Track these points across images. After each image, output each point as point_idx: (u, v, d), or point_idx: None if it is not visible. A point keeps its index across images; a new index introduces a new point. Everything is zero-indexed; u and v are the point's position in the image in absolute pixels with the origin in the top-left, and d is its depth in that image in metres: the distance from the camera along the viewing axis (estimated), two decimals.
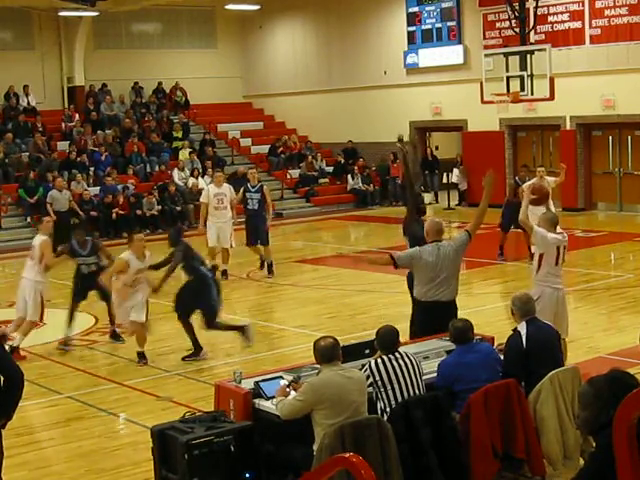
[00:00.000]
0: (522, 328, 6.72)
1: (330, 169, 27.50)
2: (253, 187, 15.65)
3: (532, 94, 19.93)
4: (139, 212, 22.65)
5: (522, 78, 19.84)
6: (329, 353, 5.95)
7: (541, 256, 8.77)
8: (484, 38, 23.94)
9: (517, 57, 20.03)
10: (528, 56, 19.85)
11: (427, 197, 26.62)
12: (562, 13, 22.40)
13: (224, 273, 15.35)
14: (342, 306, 13.06)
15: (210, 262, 14.89)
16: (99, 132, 25.87)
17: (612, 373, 3.85)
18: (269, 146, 27.99)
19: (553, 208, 15.86)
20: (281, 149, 27.75)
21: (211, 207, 15.44)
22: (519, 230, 16.12)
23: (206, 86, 29.54)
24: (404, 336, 7.40)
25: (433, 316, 7.80)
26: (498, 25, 23.53)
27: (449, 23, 24.85)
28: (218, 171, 18.28)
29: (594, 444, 3.85)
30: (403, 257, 8.21)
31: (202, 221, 15.56)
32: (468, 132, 25.09)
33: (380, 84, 26.80)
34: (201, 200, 15.95)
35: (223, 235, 15.48)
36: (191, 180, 24.41)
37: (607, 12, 21.54)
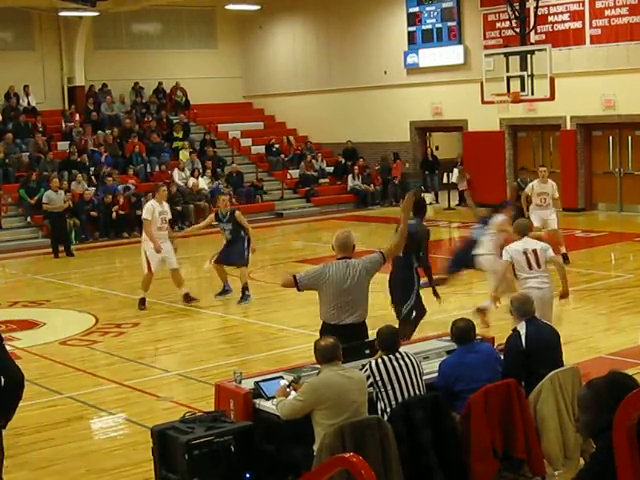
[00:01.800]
0: (521, 328, 6.73)
1: (330, 169, 27.51)
2: (223, 216, 13.56)
3: (532, 94, 19.93)
4: (139, 212, 22.62)
5: (522, 78, 19.85)
6: (329, 353, 5.95)
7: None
8: (484, 38, 23.94)
9: (517, 57, 20.04)
10: (528, 56, 19.86)
11: (428, 197, 26.67)
12: (562, 13, 22.40)
13: (187, 297, 13.72)
14: None
15: (141, 294, 13.61)
16: (99, 132, 25.87)
17: (611, 376, 3.86)
18: (264, 146, 28.02)
19: (553, 211, 15.92)
20: (275, 148, 27.72)
21: (154, 227, 13.31)
22: None
23: (206, 86, 29.54)
24: None
25: (341, 340, 6.38)
26: (498, 25, 23.53)
27: (449, 23, 24.84)
28: (161, 185, 14.98)
29: (594, 445, 3.85)
30: (306, 278, 7.33)
31: (156, 244, 13.19)
32: (468, 132, 25.08)
33: (380, 84, 26.80)
34: (145, 217, 13.47)
35: (168, 255, 13.50)
36: (191, 180, 24.42)
37: (607, 12, 21.54)
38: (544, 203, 15.48)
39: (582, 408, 3.77)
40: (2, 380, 5.63)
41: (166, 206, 13.76)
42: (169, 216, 13.80)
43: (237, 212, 13.73)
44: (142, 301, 13.65)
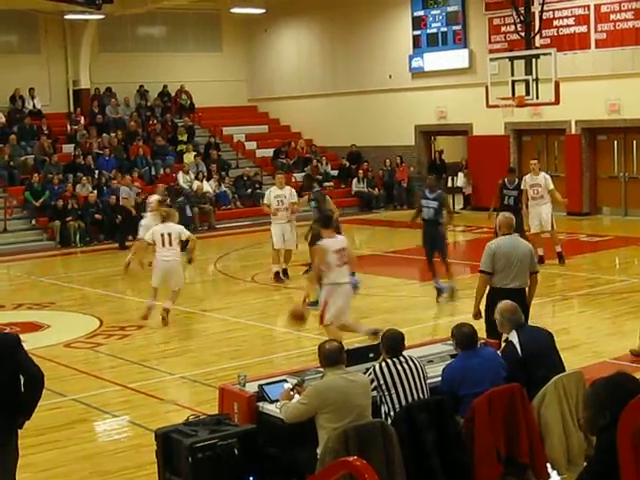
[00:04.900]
0: (513, 337, 6.75)
1: (335, 173, 27.50)
2: (430, 193, 13.68)
3: (537, 98, 19.94)
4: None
5: (527, 82, 19.85)
6: (334, 357, 5.95)
7: None
8: (489, 42, 23.93)
9: (522, 61, 20.06)
10: (533, 60, 19.86)
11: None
12: (567, 17, 22.39)
13: (277, 275, 15.61)
14: None
15: (274, 268, 15.55)
16: (104, 135, 25.89)
17: (614, 376, 3.91)
18: (274, 150, 28.01)
19: (548, 210, 15.92)
20: (284, 155, 27.72)
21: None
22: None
23: (211, 89, 29.56)
24: (409, 340, 7.39)
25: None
26: (503, 29, 23.52)
27: (454, 27, 24.83)
28: (278, 173, 17.89)
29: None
30: (484, 263, 8.78)
31: (270, 210, 15.56)
32: (473, 136, 25.07)
33: (385, 88, 26.79)
34: (264, 202, 15.96)
35: (287, 237, 15.59)
36: (196, 183, 24.43)
37: (612, 16, 21.51)
38: (537, 195, 15.83)
39: (585, 405, 3.94)
40: (22, 379, 5.68)
41: (287, 190, 15.68)
42: (290, 199, 15.52)
43: (444, 194, 14.52)
44: (277, 274, 15.52)
